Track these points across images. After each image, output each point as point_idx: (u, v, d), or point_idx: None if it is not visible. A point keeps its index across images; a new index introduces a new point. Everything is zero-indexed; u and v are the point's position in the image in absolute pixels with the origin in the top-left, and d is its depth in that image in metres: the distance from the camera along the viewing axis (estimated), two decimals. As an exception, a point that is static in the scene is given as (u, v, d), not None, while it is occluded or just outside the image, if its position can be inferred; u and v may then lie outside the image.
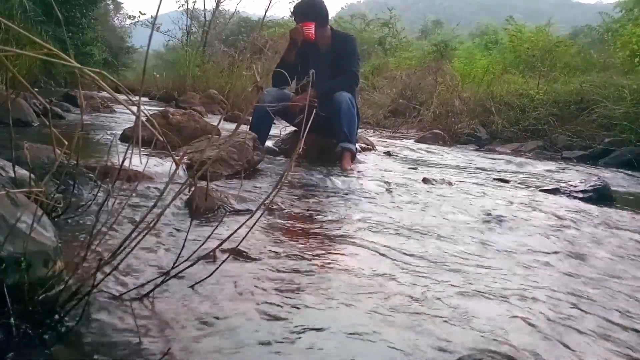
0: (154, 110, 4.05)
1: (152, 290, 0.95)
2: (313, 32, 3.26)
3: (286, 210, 1.81)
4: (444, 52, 13.09)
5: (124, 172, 1.26)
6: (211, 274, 1.02)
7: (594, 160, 5.20)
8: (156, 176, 2.01)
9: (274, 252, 1.32)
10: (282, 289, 1.08)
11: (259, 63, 8.77)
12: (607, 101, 5.91)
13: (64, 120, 4.19)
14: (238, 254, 1.24)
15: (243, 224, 0.99)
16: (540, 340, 0.95)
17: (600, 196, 2.60)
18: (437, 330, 0.94)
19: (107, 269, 0.91)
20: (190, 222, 1.10)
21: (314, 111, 1.22)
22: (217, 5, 17.12)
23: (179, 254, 0.97)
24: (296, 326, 0.91)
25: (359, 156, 3.61)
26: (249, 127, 3.23)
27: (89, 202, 1.45)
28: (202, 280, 1.02)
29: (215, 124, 3.82)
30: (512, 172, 3.72)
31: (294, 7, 3.57)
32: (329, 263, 1.28)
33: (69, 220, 1.34)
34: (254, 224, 1.07)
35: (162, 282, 0.95)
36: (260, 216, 1.00)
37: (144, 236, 0.87)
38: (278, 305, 0.99)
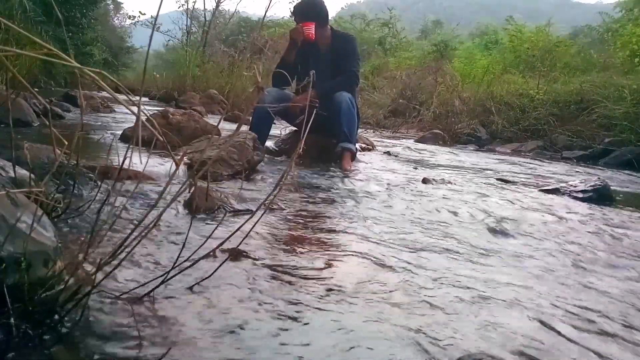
0: (154, 110, 4.05)
1: (152, 290, 0.95)
2: (313, 32, 3.26)
3: (286, 210, 1.81)
4: (444, 52, 13.09)
5: (124, 172, 1.26)
6: (211, 274, 1.02)
7: (594, 160, 5.20)
8: (156, 176, 2.01)
9: (274, 252, 1.32)
10: (282, 288, 1.08)
11: (259, 63, 8.77)
12: (607, 101, 5.91)
13: (64, 120, 4.19)
14: (238, 254, 1.24)
15: (243, 224, 0.99)
16: (540, 340, 0.95)
17: (600, 196, 2.60)
18: (437, 331, 0.94)
19: (107, 269, 0.91)
20: (191, 222, 1.10)
21: (314, 111, 1.22)
22: (217, 5, 17.14)
23: (179, 254, 0.97)
24: (296, 326, 0.91)
25: (359, 156, 3.61)
26: (249, 127, 3.23)
27: (89, 202, 1.45)
28: (203, 280, 1.02)
29: (215, 124, 3.82)
30: (512, 172, 3.72)
31: (294, 7, 3.57)
32: (330, 263, 1.28)
33: (69, 220, 1.34)
34: (255, 224, 1.07)
35: (162, 282, 0.95)
36: (261, 216, 1.00)
37: (144, 236, 0.87)
38: (278, 305, 0.99)
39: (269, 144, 3.53)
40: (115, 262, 0.89)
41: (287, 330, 0.89)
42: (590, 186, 2.67)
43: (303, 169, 2.74)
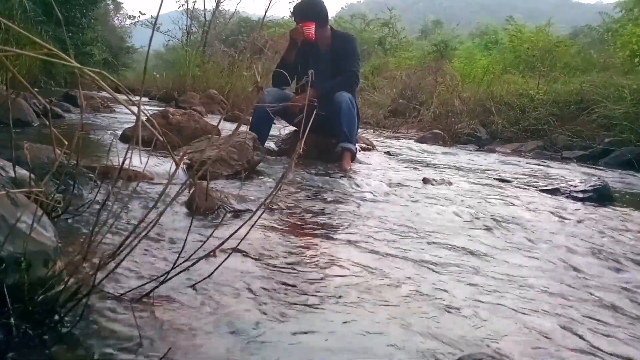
0: (154, 110, 4.05)
1: (152, 290, 0.95)
2: (313, 32, 3.26)
3: (286, 210, 1.81)
4: (444, 52, 13.09)
5: (124, 172, 1.26)
6: (211, 274, 1.02)
7: (594, 160, 5.20)
8: (156, 176, 2.01)
9: (274, 251, 1.32)
10: (282, 288, 1.08)
11: (259, 63, 8.77)
12: (607, 101, 5.91)
13: (64, 120, 4.19)
14: (238, 254, 1.24)
15: (243, 224, 0.99)
16: (539, 340, 0.95)
17: (600, 196, 2.60)
18: (437, 330, 0.94)
19: (107, 269, 0.91)
20: (191, 222, 1.10)
21: (314, 111, 1.22)
22: (217, 5, 17.13)
23: (179, 253, 0.97)
24: (297, 326, 0.91)
25: (359, 156, 3.61)
26: (249, 127, 3.23)
27: (89, 202, 1.45)
28: (203, 280, 1.02)
29: (215, 124, 3.82)
30: (512, 172, 3.72)
31: (294, 8, 3.57)
32: (330, 263, 1.28)
33: (69, 220, 1.34)
34: (254, 224, 1.07)
35: (163, 282, 0.95)
36: (260, 216, 1.00)
37: (144, 236, 0.87)
38: (278, 305, 0.99)
39: (269, 144, 3.53)
40: (115, 262, 0.89)
41: (287, 330, 0.89)
42: (590, 186, 2.67)
43: (303, 169, 2.74)
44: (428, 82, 8.83)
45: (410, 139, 6.55)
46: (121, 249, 0.85)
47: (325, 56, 3.41)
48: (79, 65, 0.70)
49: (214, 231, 1.05)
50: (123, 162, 0.90)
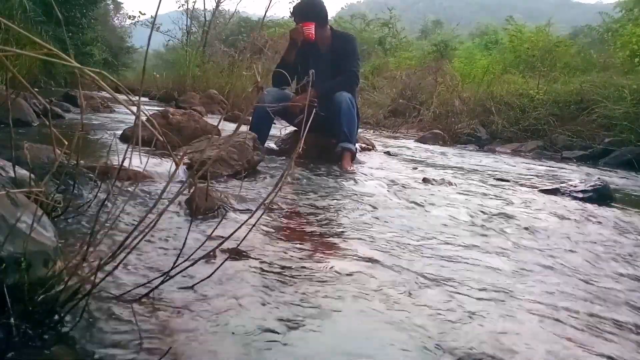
0: (154, 110, 4.05)
1: (152, 290, 0.95)
2: (313, 32, 3.26)
3: (286, 210, 1.81)
4: (444, 52, 13.09)
5: (124, 172, 1.26)
6: (211, 274, 1.02)
7: (594, 160, 5.20)
8: (156, 176, 2.01)
9: (274, 251, 1.32)
10: (282, 288, 1.08)
11: (259, 63, 8.77)
12: (607, 101, 5.91)
13: (64, 120, 4.19)
14: (238, 254, 1.24)
15: (243, 224, 0.99)
16: (538, 339, 0.95)
17: (600, 196, 2.60)
18: (437, 330, 0.94)
19: (107, 269, 0.91)
20: (190, 222, 1.10)
21: (314, 111, 1.22)
22: (217, 5, 17.12)
23: (179, 254, 0.97)
24: (297, 326, 0.91)
25: (359, 156, 3.61)
26: (249, 127, 3.23)
27: (89, 202, 1.45)
28: (203, 280, 1.02)
29: (215, 124, 3.82)
30: (512, 172, 3.72)
31: (294, 8, 3.57)
32: (330, 263, 1.28)
33: (69, 220, 1.34)
34: (254, 224, 1.07)
35: (162, 282, 0.95)
36: (261, 216, 1.00)
37: (144, 236, 0.87)
38: (279, 305, 0.99)
39: (269, 144, 3.53)
40: (115, 262, 0.89)
41: (288, 330, 0.89)
42: (590, 186, 2.67)
43: (303, 169, 2.74)
44: (428, 82, 8.83)
45: (410, 139, 6.55)
46: (121, 249, 0.85)
47: (325, 56, 3.41)
48: (79, 65, 0.70)
49: (213, 231, 1.05)
50: (122, 162, 0.90)
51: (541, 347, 0.92)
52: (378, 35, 16.49)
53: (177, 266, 0.95)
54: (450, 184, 2.73)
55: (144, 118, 0.77)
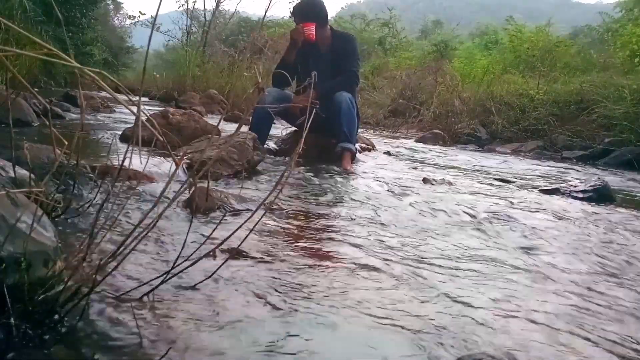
0: (154, 110, 4.05)
1: (152, 290, 0.95)
2: (313, 32, 3.27)
3: (286, 210, 1.81)
4: (444, 52, 13.08)
5: (124, 172, 1.26)
6: (212, 274, 1.02)
7: (594, 160, 5.20)
8: (156, 176, 2.01)
9: (274, 251, 1.32)
10: (282, 288, 1.08)
11: (259, 63, 8.77)
12: (607, 101, 5.90)
13: (64, 120, 4.19)
14: (238, 254, 1.24)
15: (243, 224, 0.99)
16: (539, 342, 0.95)
17: (600, 196, 2.59)
18: (437, 330, 0.94)
19: (107, 269, 0.91)
20: (190, 222, 1.10)
21: (314, 111, 1.22)
22: (217, 5, 17.10)
23: (179, 254, 0.97)
24: (297, 326, 0.91)
25: (359, 156, 3.61)
26: (249, 127, 3.23)
27: (89, 202, 1.45)
28: (203, 280, 1.02)
29: (215, 124, 3.82)
30: (512, 172, 3.72)
31: (294, 8, 3.57)
32: (330, 263, 1.28)
33: (69, 220, 1.34)
34: (255, 224, 1.07)
35: (162, 282, 0.95)
36: (261, 216, 1.00)
37: (144, 236, 0.87)
38: (279, 305, 0.99)
39: (269, 144, 3.53)
40: (115, 262, 0.89)
41: (288, 330, 0.89)
42: (590, 186, 2.67)
43: (303, 169, 2.74)
44: (428, 82, 8.82)
45: (410, 139, 6.55)
46: (121, 249, 0.85)
47: (325, 56, 3.41)
48: (79, 65, 0.70)
49: (213, 231, 1.05)
50: (122, 162, 0.90)
51: (541, 347, 0.93)
52: (378, 35, 16.48)
53: (177, 266, 0.95)
54: (450, 184, 2.73)
55: (144, 118, 0.77)
